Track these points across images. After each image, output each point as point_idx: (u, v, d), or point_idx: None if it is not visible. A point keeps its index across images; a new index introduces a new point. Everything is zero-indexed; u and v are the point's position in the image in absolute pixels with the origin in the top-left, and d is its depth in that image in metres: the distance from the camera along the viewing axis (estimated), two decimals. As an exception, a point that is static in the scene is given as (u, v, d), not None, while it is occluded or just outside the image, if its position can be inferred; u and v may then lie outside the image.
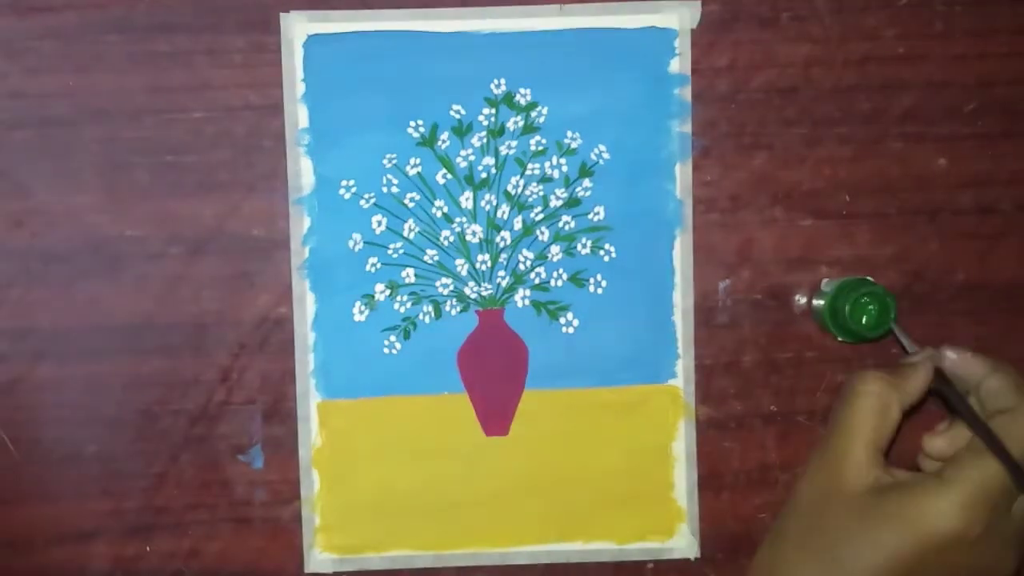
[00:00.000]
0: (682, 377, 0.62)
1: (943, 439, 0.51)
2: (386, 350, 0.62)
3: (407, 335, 0.62)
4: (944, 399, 0.51)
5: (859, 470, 0.47)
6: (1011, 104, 0.63)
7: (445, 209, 0.62)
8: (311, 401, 0.61)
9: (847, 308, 0.58)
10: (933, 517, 0.45)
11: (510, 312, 0.62)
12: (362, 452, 0.62)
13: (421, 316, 0.62)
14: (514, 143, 0.62)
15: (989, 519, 0.45)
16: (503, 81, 0.61)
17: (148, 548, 0.62)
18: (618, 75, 0.61)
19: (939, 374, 0.52)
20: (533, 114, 0.61)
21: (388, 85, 0.61)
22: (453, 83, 0.61)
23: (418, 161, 0.61)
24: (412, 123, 0.61)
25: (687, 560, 0.63)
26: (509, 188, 0.62)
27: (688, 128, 0.62)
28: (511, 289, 0.62)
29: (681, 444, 0.62)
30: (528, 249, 0.62)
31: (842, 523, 0.47)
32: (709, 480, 0.63)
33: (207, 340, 0.61)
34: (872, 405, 0.48)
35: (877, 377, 0.49)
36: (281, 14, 0.60)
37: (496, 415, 0.62)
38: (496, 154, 0.62)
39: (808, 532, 0.49)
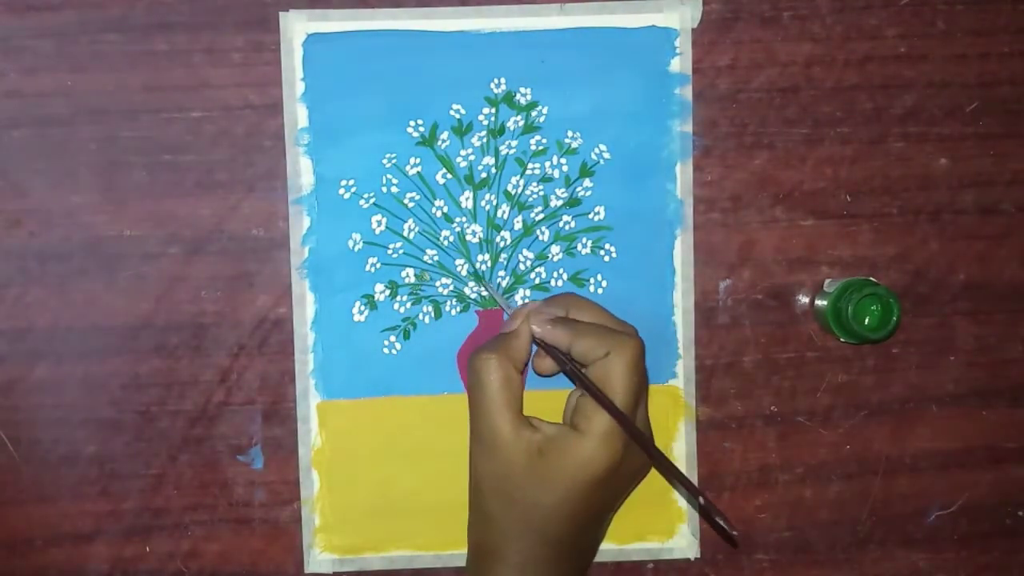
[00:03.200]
0: (682, 377, 0.62)
1: (546, 360, 0.58)
2: (386, 350, 0.61)
3: (407, 335, 0.61)
4: (546, 351, 0.57)
5: (512, 432, 0.55)
6: (1013, 104, 0.62)
7: (445, 209, 0.61)
8: (311, 401, 0.61)
9: (850, 309, 0.58)
10: (587, 464, 0.54)
11: (510, 312, 0.61)
12: (362, 452, 0.62)
13: (421, 316, 0.61)
14: (514, 143, 0.61)
15: (624, 450, 0.54)
16: (503, 80, 0.61)
17: (147, 549, 0.62)
18: (619, 74, 0.61)
19: (546, 345, 0.57)
20: (533, 113, 0.61)
21: (388, 84, 0.61)
22: (453, 82, 0.61)
23: (418, 161, 0.61)
24: (412, 123, 0.61)
25: (687, 560, 0.63)
26: (509, 188, 0.61)
27: (689, 128, 0.62)
28: (511, 289, 0.62)
29: (681, 444, 0.62)
30: (528, 249, 0.62)
31: (526, 482, 0.55)
32: (709, 480, 0.63)
33: (206, 340, 0.61)
34: (498, 379, 0.55)
35: (491, 356, 0.55)
36: (280, 13, 0.60)
37: (496, 415, 0.62)
38: (496, 154, 0.61)
39: (496, 493, 0.56)
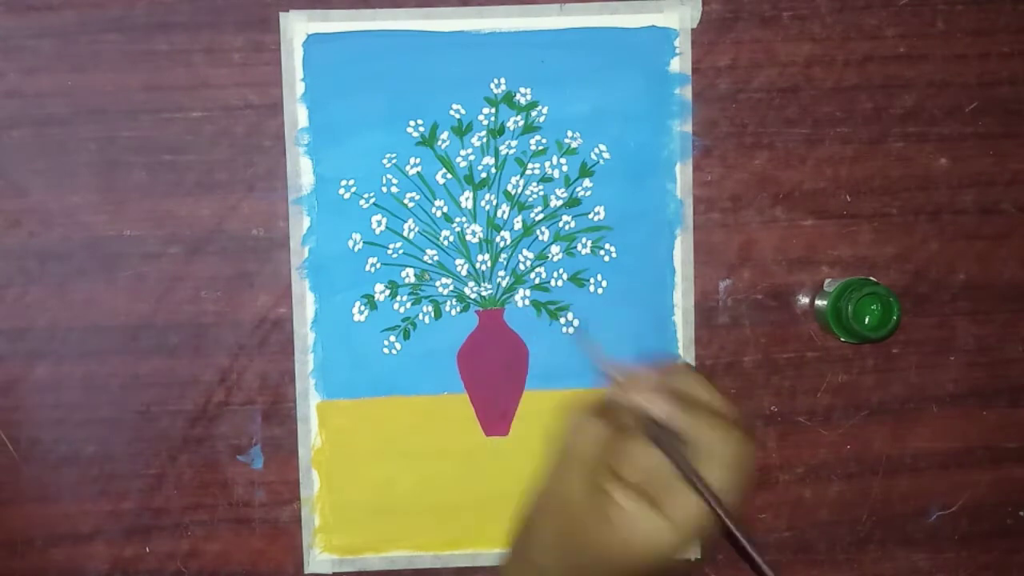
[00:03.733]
0: (682, 377, 0.62)
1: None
2: (386, 350, 0.61)
3: (407, 335, 0.61)
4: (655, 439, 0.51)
5: (588, 506, 0.49)
6: (1012, 104, 0.62)
7: (445, 209, 0.61)
8: (311, 401, 0.61)
9: (850, 308, 0.58)
10: (651, 549, 0.48)
11: (510, 312, 0.62)
12: (362, 452, 0.62)
13: (421, 316, 0.61)
14: (514, 143, 0.61)
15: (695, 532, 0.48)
16: (503, 80, 0.61)
17: (147, 549, 0.61)
18: (618, 75, 0.61)
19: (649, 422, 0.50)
20: (533, 114, 0.61)
21: (388, 84, 0.61)
22: (453, 82, 0.61)
23: (418, 161, 0.61)
24: (412, 123, 0.61)
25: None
26: (509, 188, 0.61)
27: (689, 128, 0.62)
28: (511, 289, 0.62)
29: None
30: (528, 249, 0.62)
31: (579, 549, 0.50)
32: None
33: (206, 340, 0.61)
34: (590, 445, 0.49)
35: (593, 423, 0.49)
36: (280, 13, 0.60)
37: (496, 415, 0.62)
38: (496, 154, 0.61)
39: (551, 552, 0.51)
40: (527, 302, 0.62)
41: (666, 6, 0.61)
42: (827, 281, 0.62)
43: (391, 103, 0.61)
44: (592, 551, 0.50)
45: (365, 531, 0.62)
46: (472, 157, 0.61)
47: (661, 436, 0.50)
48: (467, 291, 0.61)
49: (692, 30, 0.61)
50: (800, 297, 0.63)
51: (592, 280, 0.62)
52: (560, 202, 0.62)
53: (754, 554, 0.49)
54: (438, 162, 0.61)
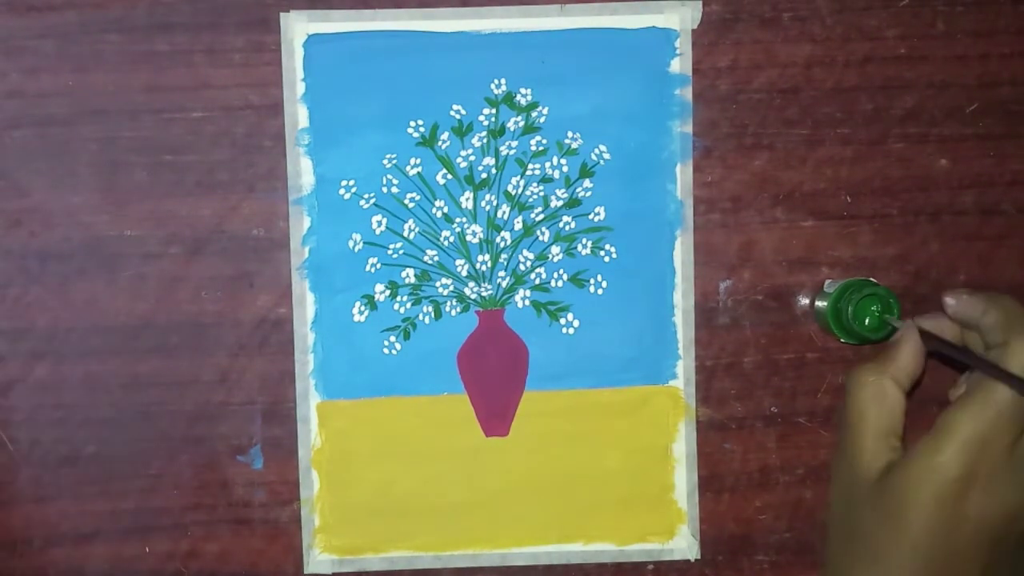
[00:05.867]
0: (682, 378, 0.62)
1: (959, 389, 0.50)
2: (386, 350, 0.61)
3: (407, 335, 0.61)
4: (942, 354, 0.50)
5: (870, 460, 0.46)
6: (1013, 105, 0.62)
7: (445, 209, 0.61)
8: (311, 402, 0.61)
9: (850, 309, 0.58)
10: (934, 470, 0.43)
11: (510, 313, 0.62)
12: (362, 453, 0.62)
13: (421, 316, 0.61)
14: (514, 143, 0.61)
15: (992, 457, 0.44)
16: (503, 81, 0.61)
17: (147, 549, 0.61)
18: (619, 75, 0.61)
19: (926, 336, 0.50)
20: (533, 114, 0.61)
21: (388, 85, 0.61)
22: (453, 83, 0.61)
23: (418, 161, 0.61)
24: (412, 123, 0.61)
25: (687, 561, 0.63)
26: (509, 188, 0.61)
27: (689, 128, 0.62)
28: (511, 290, 0.62)
29: (681, 445, 0.62)
30: (528, 249, 0.62)
31: (868, 514, 0.46)
32: (709, 481, 0.63)
33: (206, 340, 0.61)
34: (868, 395, 0.47)
35: (865, 368, 0.48)
36: (281, 13, 0.60)
37: (496, 416, 0.62)
38: (496, 154, 0.61)
39: (846, 536, 0.48)
40: (527, 303, 0.62)
41: (666, 7, 0.61)
42: (827, 282, 0.62)
43: (391, 103, 0.61)
44: (869, 514, 0.44)
45: (365, 531, 0.62)
46: (472, 158, 0.61)
47: (939, 345, 0.48)
48: (467, 291, 0.61)
49: (692, 31, 0.61)
50: (800, 298, 0.63)
51: (592, 281, 0.62)
52: (560, 203, 0.62)
53: None
54: (438, 162, 0.61)
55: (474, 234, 0.61)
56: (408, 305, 0.61)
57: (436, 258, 0.61)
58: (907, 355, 0.49)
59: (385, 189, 0.61)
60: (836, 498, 0.49)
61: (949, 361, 0.53)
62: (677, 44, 0.61)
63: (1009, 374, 0.44)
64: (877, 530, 0.44)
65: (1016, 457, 0.45)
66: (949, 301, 0.50)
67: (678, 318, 0.62)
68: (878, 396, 0.47)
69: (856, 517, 0.45)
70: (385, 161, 0.61)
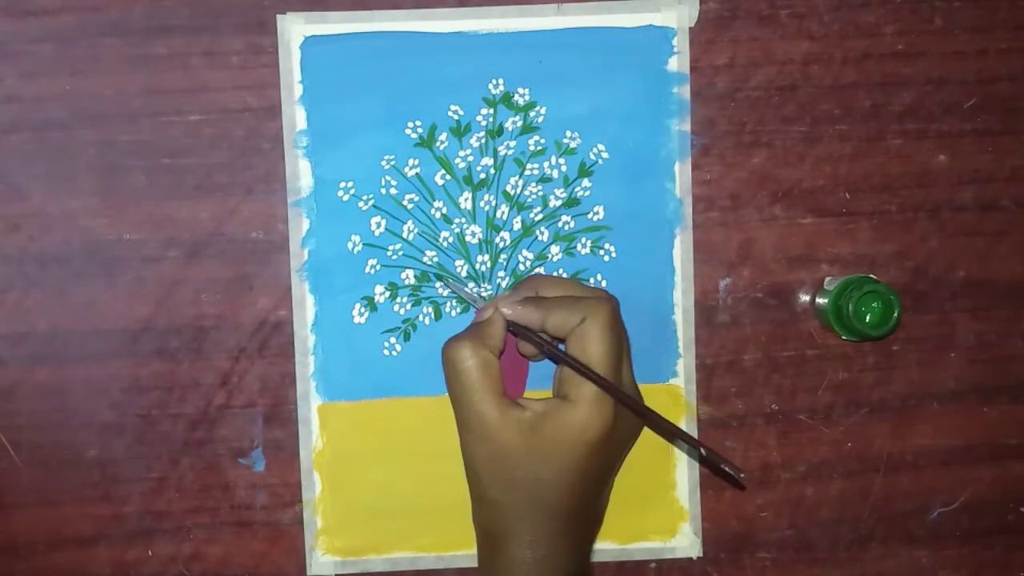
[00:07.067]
0: (683, 376, 0.62)
1: (528, 346, 0.58)
2: (386, 352, 0.61)
3: (407, 337, 0.61)
4: (520, 335, 0.57)
5: (500, 420, 0.54)
6: (1011, 100, 0.62)
7: (444, 210, 0.61)
8: (312, 403, 0.61)
9: (851, 306, 0.58)
10: (580, 434, 0.54)
11: (510, 312, 0.61)
12: (363, 454, 0.62)
13: (421, 317, 0.61)
14: (513, 143, 0.61)
15: (616, 411, 0.55)
16: (501, 81, 0.61)
17: (149, 552, 0.62)
18: (617, 74, 0.61)
19: (520, 329, 0.57)
20: (532, 114, 0.61)
21: (386, 86, 0.61)
22: (451, 83, 0.61)
23: (417, 162, 0.61)
24: (410, 124, 0.61)
25: (689, 559, 0.63)
26: (508, 188, 0.61)
27: (687, 126, 0.62)
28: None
29: (682, 444, 0.62)
30: (528, 249, 0.62)
31: (512, 457, 0.55)
32: (711, 479, 0.63)
33: (206, 343, 0.61)
34: (475, 365, 0.55)
35: (465, 344, 0.55)
36: (278, 15, 0.60)
37: (497, 416, 0.61)
38: (495, 154, 0.61)
39: (492, 481, 0.56)
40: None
41: (664, 5, 0.61)
42: (827, 279, 0.62)
43: (389, 104, 0.61)
44: (529, 464, 0.55)
45: (367, 533, 0.62)
46: (471, 158, 0.61)
47: (534, 339, 0.57)
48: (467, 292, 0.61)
49: (690, 29, 0.61)
50: (800, 295, 0.63)
51: (592, 280, 0.62)
52: (559, 202, 0.62)
53: (639, 409, 0.55)
54: (437, 163, 0.61)
55: (473, 235, 0.61)
56: (408, 306, 0.61)
57: (436, 259, 0.61)
58: (497, 334, 0.56)
59: (384, 190, 0.61)
60: (477, 457, 0.56)
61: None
62: (675, 42, 0.61)
63: (590, 372, 0.54)
64: (536, 470, 0.54)
65: (624, 414, 0.56)
66: (506, 312, 0.56)
67: (678, 316, 0.62)
68: (483, 364, 0.55)
69: (512, 461, 0.55)
70: (383, 162, 0.61)
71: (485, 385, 0.55)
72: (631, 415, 0.56)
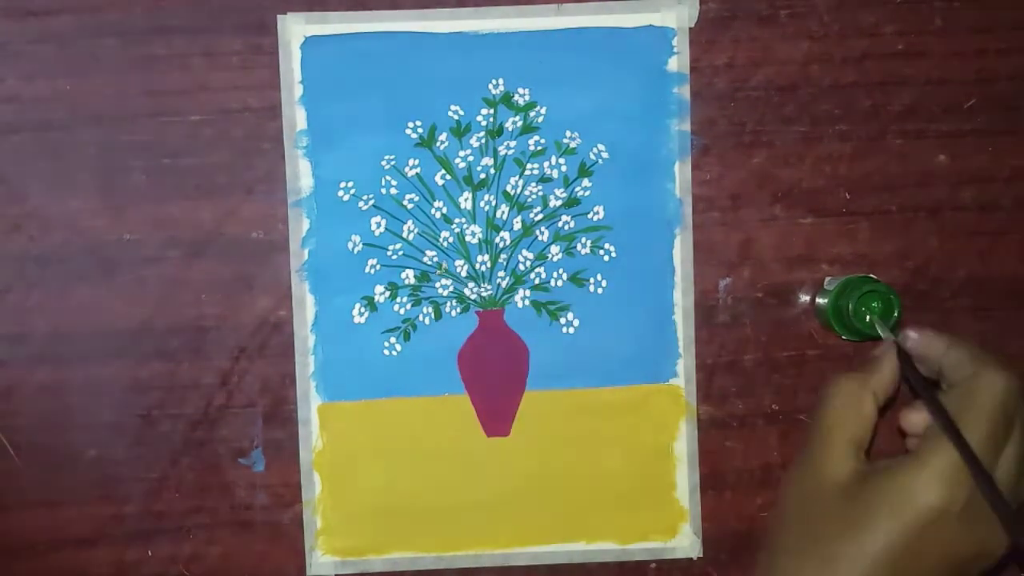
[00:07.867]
0: (683, 376, 0.62)
1: (917, 413, 0.51)
2: (386, 352, 0.61)
3: (407, 336, 0.61)
4: (909, 383, 0.52)
5: (838, 465, 0.48)
6: (1011, 100, 0.62)
7: (444, 210, 0.61)
8: (312, 404, 0.61)
9: (851, 306, 0.58)
10: (912, 495, 0.45)
11: (510, 313, 0.62)
12: (363, 454, 0.62)
13: (421, 317, 0.61)
14: (513, 143, 0.61)
15: (969, 491, 0.45)
16: (501, 81, 0.61)
17: (149, 553, 0.62)
18: (617, 74, 0.61)
19: (904, 358, 0.52)
20: (532, 114, 0.61)
21: (386, 86, 0.61)
22: (451, 83, 0.61)
23: (417, 162, 0.61)
24: (410, 124, 0.61)
25: (689, 560, 0.63)
26: (508, 188, 0.61)
27: (687, 126, 0.62)
28: (511, 290, 0.62)
29: (683, 444, 0.62)
30: (528, 249, 0.62)
31: (829, 520, 0.47)
32: (711, 479, 0.63)
33: (206, 343, 0.61)
34: (844, 403, 0.49)
35: (846, 377, 0.50)
36: (278, 16, 0.60)
37: (497, 416, 0.62)
38: (495, 154, 0.61)
39: (799, 537, 0.49)
40: (527, 302, 0.62)
41: (663, 5, 0.61)
42: (827, 279, 0.62)
43: (389, 105, 0.61)
44: (838, 521, 0.46)
45: (367, 533, 0.62)
46: (471, 158, 0.61)
47: (909, 374, 0.50)
48: (467, 292, 0.61)
49: (690, 29, 0.61)
50: (800, 295, 0.63)
51: (592, 280, 0.62)
52: (559, 202, 0.62)
53: (1001, 508, 0.44)
54: (437, 163, 0.61)
55: (473, 234, 0.61)
56: (408, 306, 0.61)
57: (436, 259, 0.61)
58: (885, 373, 0.50)
59: (384, 190, 0.61)
60: (792, 499, 0.50)
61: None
62: (674, 42, 0.61)
63: (956, 432, 0.46)
64: (837, 535, 0.45)
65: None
66: (911, 335, 0.51)
67: (678, 316, 0.62)
68: (856, 405, 0.49)
69: (815, 518, 0.47)
70: (384, 162, 0.61)
71: (844, 435, 0.48)
72: (992, 525, 0.45)
